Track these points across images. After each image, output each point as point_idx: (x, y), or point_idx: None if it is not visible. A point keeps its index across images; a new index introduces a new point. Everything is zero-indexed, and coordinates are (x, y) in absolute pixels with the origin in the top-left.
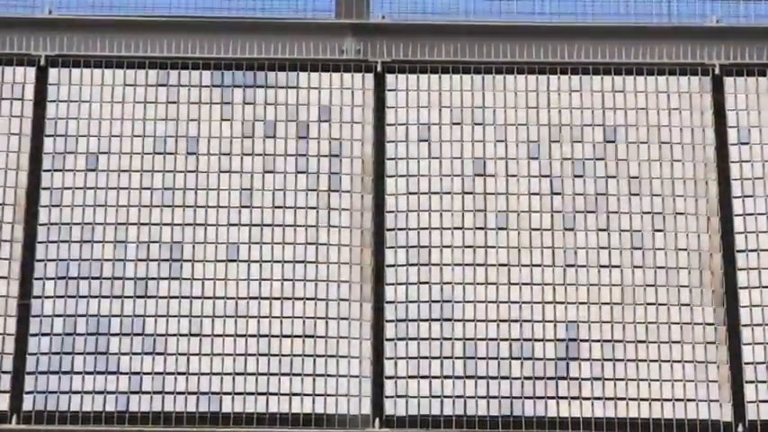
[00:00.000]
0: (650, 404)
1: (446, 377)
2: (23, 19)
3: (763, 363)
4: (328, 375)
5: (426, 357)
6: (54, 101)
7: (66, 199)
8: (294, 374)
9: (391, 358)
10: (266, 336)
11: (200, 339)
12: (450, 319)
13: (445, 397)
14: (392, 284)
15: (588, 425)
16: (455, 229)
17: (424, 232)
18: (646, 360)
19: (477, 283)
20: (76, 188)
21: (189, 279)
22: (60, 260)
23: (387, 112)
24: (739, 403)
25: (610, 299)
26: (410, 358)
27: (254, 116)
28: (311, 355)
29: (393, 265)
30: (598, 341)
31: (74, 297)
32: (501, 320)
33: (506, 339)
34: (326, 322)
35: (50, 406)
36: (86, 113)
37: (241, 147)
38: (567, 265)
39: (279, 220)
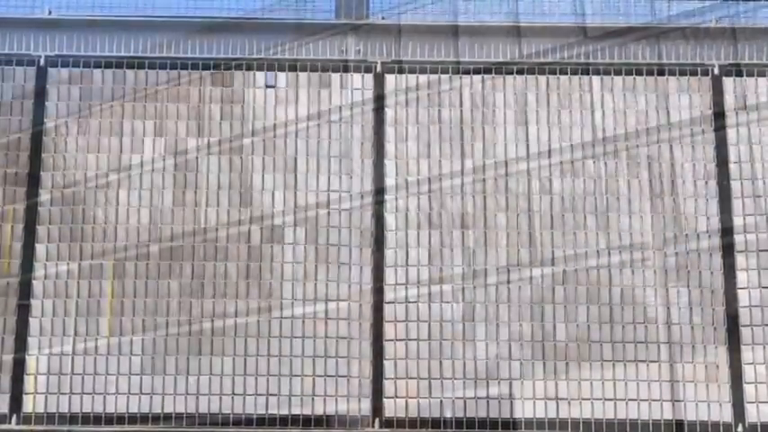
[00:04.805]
0: (650, 404)
1: (446, 378)
2: (23, 19)
3: (763, 363)
4: (328, 376)
5: (426, 358)
6: (54, 101)
7: (67, 198)
8: (294, 375)
9: (391, 359)
10: (266, 336)
11: (200, 339)
12: (450, 320)
13: (445, 398)
14: (392, 284)
15: (588, 425)
16: (454, 228)
17: (424, 232)
18: (645, 360)
19: (477, 284)
20: (76, 188)
21: (189, 279)
22: (60, 260)
23: (387, 111)
24: (739, 404)
25: (609, 299)
26: (410, 359)
27: (253, 116)
28: (311, 356)
29: (393, 266)
30: (597, 341)
31: (74, 297)
32: (501, 321)
33: (506, 340)
34: (326, 322)
35: (50, 407)
36: (86, 113)
37: (241, 146)
38: (567, 265)
39: (278, 221)
